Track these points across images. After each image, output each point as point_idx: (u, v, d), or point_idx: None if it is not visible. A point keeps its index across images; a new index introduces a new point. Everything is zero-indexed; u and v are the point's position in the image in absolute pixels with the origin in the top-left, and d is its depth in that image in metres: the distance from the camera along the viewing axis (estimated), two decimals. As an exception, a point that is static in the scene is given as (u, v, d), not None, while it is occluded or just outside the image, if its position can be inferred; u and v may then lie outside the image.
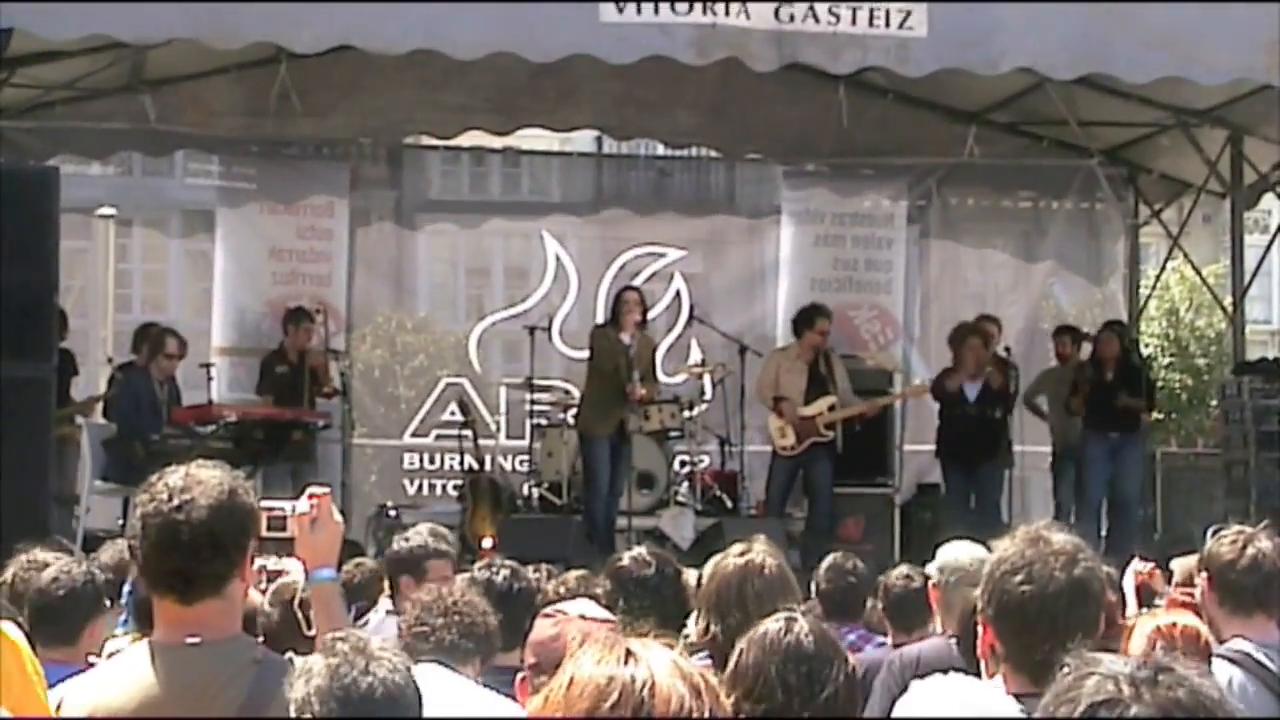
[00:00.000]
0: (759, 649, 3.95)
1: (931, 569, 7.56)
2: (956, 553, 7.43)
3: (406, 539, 7.43)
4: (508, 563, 6.52)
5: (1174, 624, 5.53)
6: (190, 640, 4.31)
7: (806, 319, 16.07)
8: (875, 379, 17.15)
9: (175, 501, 4.32)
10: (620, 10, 12.52)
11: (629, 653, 2.43)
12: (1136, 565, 9.06)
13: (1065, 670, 2.28)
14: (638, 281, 17.66)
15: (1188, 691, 2.17)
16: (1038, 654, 4.11)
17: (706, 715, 2.38)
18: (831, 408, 15.66)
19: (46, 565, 6.12)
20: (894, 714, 3.64)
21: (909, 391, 16.75)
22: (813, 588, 8.22)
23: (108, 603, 6.15)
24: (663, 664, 2.42)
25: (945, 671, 4.20)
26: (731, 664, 3.97)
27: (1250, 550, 6.07)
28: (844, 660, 3.95)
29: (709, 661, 4.67)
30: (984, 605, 4.18)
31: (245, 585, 4.50)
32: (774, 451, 15.92)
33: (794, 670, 3.85)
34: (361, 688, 3.56)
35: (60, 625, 5.74)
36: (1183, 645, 5.37)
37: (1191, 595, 6.57)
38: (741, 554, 5.45)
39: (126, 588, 7.22)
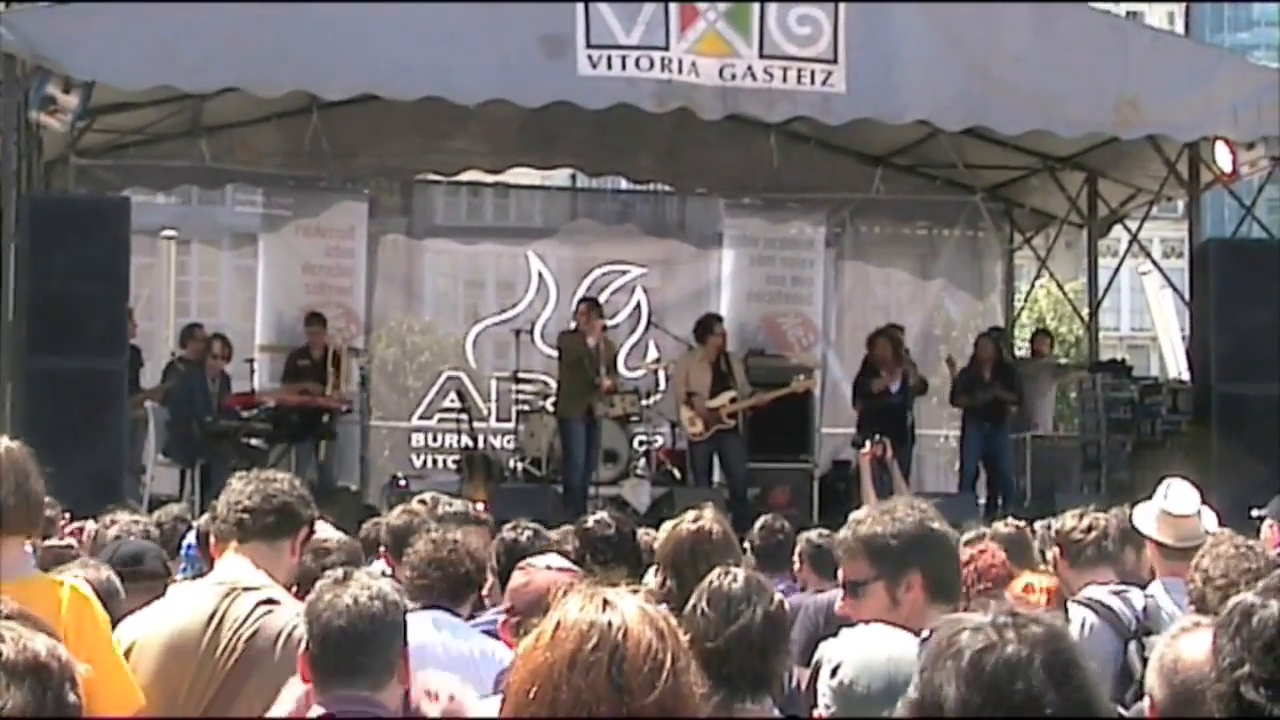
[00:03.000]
0: (698, 594, 3.98)
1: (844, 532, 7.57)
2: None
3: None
4: (531, 524, 6.48)
5: (1033, 584, 5.56)
6: (218, 583, 4.37)
7: (708, 327, 15.95)
8: (798, 374, 17.17)
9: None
10: (594, 66, 12.56)
11: (606, 601, 2.44)
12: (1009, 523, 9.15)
13: (935, 630, 2.26)
14: (605, 294, 17.69)
15: (1043, 626, 2.17)
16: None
17: (668, 654, 2.39)
18: (733, 400, 15.63)
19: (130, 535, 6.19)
20: (819, 653, 3.66)
21: (796, 387, 16.59)
22: (748, 544, 8.22)
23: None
24: (633, 610, 2.42)
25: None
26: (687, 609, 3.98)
27: (1087, 519, 6.18)
28: (766, 601, 3.93)
29: (666, 611, 4.68)
30: None
31: (296, 558, 4.55)
32: (689, 438, 15.88)
33: (715, 606, 3.86)
34: (324, 600, 3.65)
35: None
36: (1046, 599, 5.40)
37: None
38: (694, 521, 5.43)
39: (186, 542, 7.23)
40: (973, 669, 2.11)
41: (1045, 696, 2.09)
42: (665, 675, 2.36)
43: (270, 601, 4.28)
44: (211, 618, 4.26)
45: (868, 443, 11.28)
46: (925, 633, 2.32)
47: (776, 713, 3.79)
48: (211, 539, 4.64)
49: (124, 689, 4.09)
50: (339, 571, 3.79)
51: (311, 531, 4.66)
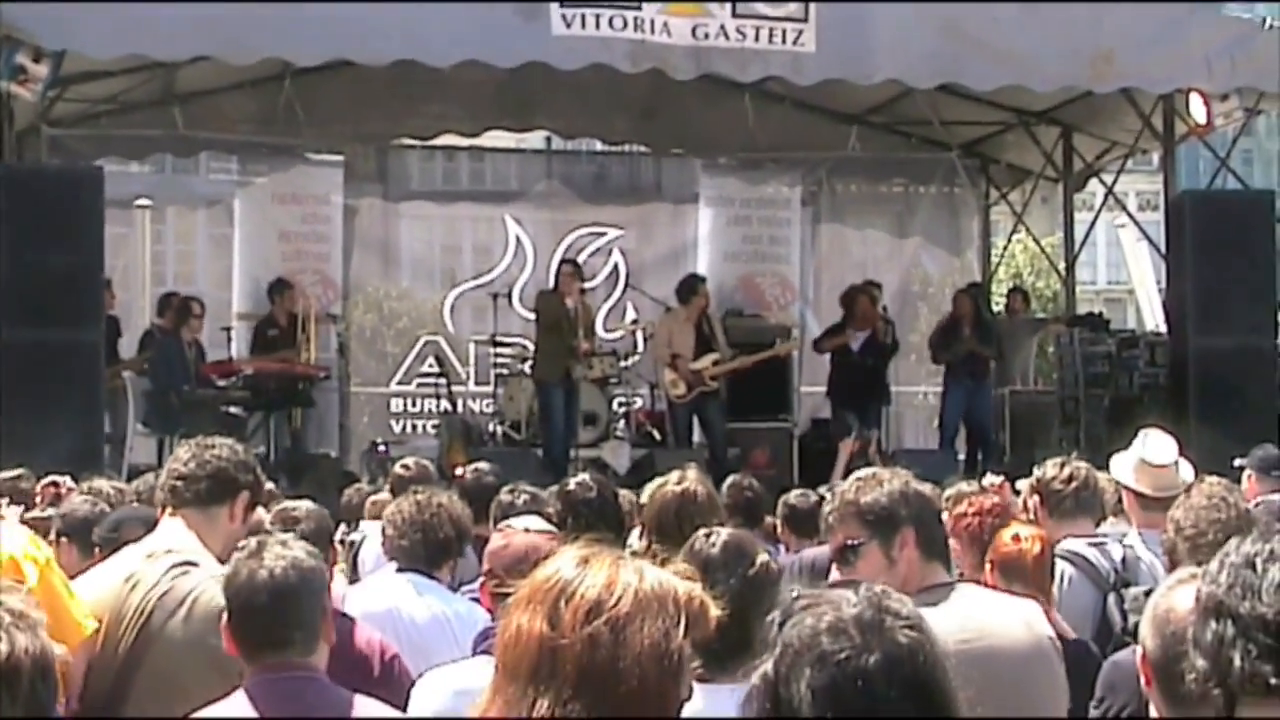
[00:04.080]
0: (680, 558, 3.97)
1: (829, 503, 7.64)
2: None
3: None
4: (528, 489, 6.46)
5: (1026, 534, 5.52)
6: (144, 547, 4.41)
7: (692, 287, 15.84)
8: (777, 333, 17.16)
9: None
10: (568, 25, 12.48)
11: (586, 559, 2.40)
12: (990, 479, 9.16)
13: (797, 605, 2.21)
14: (582, 256, 17.62)
15: (909, 638, 2.13)
16: None
17: (619, 605, 2.33)
18: (716, 363, 15.59)
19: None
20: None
21: (779, 349, 16.59)
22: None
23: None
24: (612, 569, 2.37)
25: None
26: None
27: (1068, 469, 6.16)
28: (748, 565, 3.94)
29: (685, 585, 4.66)
30: None
31: (237, 523, 4.55)
32: (668, 400, 15.87)
33: (697, 574, 3.86)
34: (242, 575, 3.69)
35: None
36: (1032, 548, 5.36)
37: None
38: (679, 482, 5.43)
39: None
40: (832, 681, 2.08)
41: (904, 716, 2.09)
42: (605, 619, 2.31)
43: (187, 564, 4.28)
44: (128, 579, 4.27)
45: (854, 432, 11.22)
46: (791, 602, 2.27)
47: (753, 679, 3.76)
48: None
49: (78, 618, 4.26)
50: (252, 542, 3.80)
51: (255, 498, 4.62)
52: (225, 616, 3.70)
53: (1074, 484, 6.12)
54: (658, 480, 5.66)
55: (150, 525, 5.83)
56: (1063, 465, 6.19)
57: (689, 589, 2.43)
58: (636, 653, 2.31)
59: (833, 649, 2.10)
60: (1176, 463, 6.41)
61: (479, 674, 3.90)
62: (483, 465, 7.82)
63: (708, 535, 4.04)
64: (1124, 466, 6.40)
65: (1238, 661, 2.09)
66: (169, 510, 4.48)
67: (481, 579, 4.40)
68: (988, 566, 5.31)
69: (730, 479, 8.23)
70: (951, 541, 5.85)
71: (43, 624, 2.53)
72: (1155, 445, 6.40)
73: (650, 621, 2.34)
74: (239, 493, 4.50)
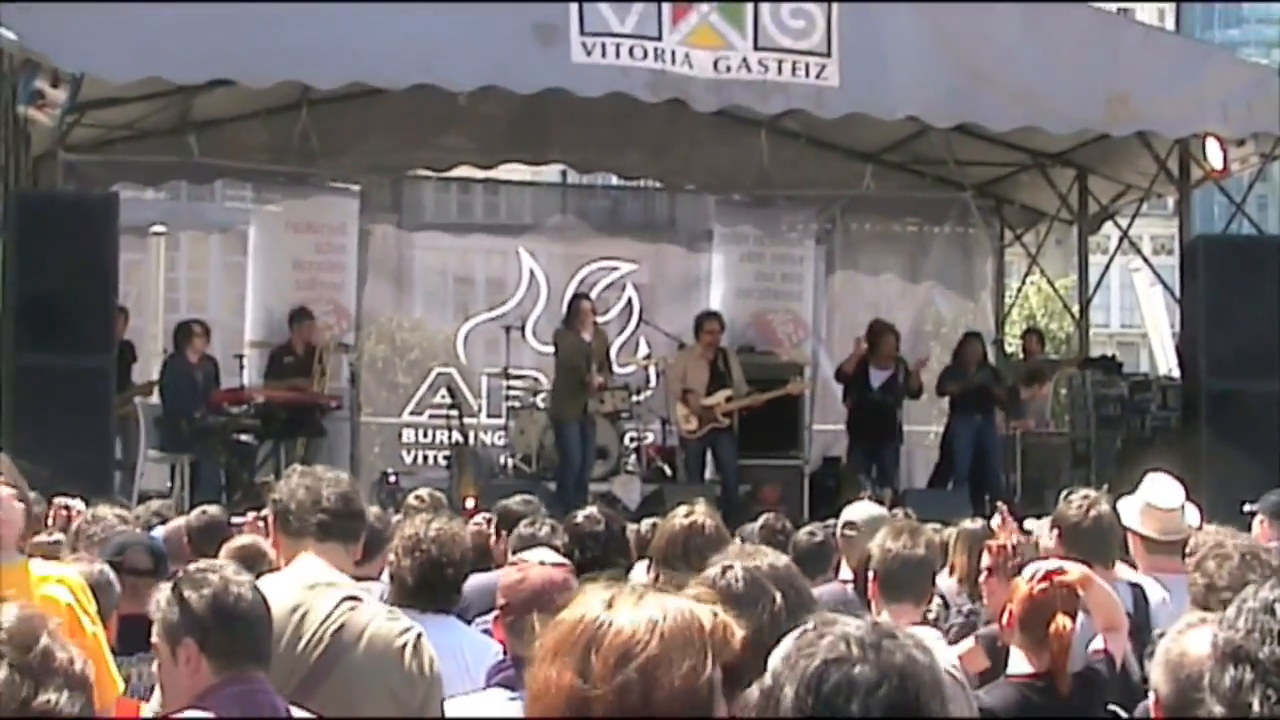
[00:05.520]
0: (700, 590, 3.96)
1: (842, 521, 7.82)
2: (858, 511, 7.63)
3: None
4: (550, 519, 6.48)
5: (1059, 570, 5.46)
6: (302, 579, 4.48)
7: (699, 324, 16.00)
8: (789, 370, 17.14)
9: None
10: (588, 53, 12.51)
11: (610, 600, 2.37)
12: (998, 519, 9.18)
13: (808, 625, 2.25)
14: (595, 291, 17.63)
15: (904, 656, 2.15)
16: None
17: (649, 647, 2.29)
18: (729, 399, 15.60)
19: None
20: None
21: (792, 388, 16.56)
22: (740, 540, 8.23)
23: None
24: (637, 607, 2.34)
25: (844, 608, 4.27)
26: None
27: (1093, 512, 6.12)
28: (770, 601, 3.92)
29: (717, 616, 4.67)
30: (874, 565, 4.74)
31: (358, 558, 4.64)
32: (680, 436, 15.86)
33: (715, 597, 3.86)
34: (234, 591, 3.74)
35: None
36: (1062, 591, 5.33)
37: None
38: (686, 515, 5.42)
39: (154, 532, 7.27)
40: (816, 678, 2.11)
41: None
42: (635, 665, 2.27)
43: (354, 598, 4.29)
44: (295, 610, 4.25)
45: (867, 490, 11.36)
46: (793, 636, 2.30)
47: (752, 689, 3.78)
48: (279, 534, 4.62)
49: (114, 675, 4.34)
50: (227, 565, 3.86)
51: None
52: (209, 626, 3.71)
53: (1093, 522, 6.08)
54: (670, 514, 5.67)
55: (154, 550, 5.85)
56: (1084, 502, 6.15)
57: (710, 615, 2.41)
58: (668, 694, 2.30)
59: (824, 650, 2.15)
60: (1183, 506, 6.41)
61: (493, 706, 3.89)
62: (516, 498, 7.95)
63: (724, 571, 4.01)
64: (1130, 510, 6.39)
65: (1256, 706, 2.08)
66: (311, 542, 4.46)
67: (496, 612, 4.39)
68: (1006, 615, 5.20)
69: (763, 518, 8.28)
70: (983, 578, 5.90)
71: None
72: (1161, 489, 6.40)
73: (678, 661, 2.31)
74: (364, 530, 4.57)
